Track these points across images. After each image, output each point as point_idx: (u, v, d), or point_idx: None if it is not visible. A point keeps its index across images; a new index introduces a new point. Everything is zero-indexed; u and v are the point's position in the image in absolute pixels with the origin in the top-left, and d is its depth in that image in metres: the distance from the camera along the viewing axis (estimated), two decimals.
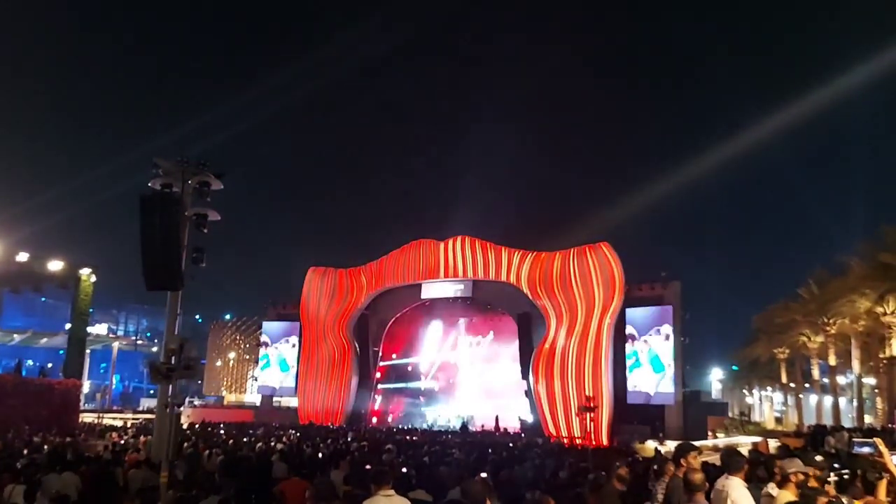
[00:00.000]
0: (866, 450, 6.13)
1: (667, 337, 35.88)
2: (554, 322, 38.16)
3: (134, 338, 78.23)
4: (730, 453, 6.84)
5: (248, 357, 65.06)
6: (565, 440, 31.16)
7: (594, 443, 29.54)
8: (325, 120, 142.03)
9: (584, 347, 36.33)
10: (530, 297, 39.45)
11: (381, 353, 46.48)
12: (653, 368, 35.85)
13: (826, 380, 43.81)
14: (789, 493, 5.84)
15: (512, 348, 42.07)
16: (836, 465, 7.16)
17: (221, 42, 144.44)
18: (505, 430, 36.75)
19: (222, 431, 28.58)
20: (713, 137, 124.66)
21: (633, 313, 37.05)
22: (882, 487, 5.73)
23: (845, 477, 6.77)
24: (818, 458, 7.56)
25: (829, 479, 6.86)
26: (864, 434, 25.51)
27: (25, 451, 17.63)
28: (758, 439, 31.25)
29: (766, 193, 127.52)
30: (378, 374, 46.55)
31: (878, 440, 6.09)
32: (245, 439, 22.70)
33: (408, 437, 27.87)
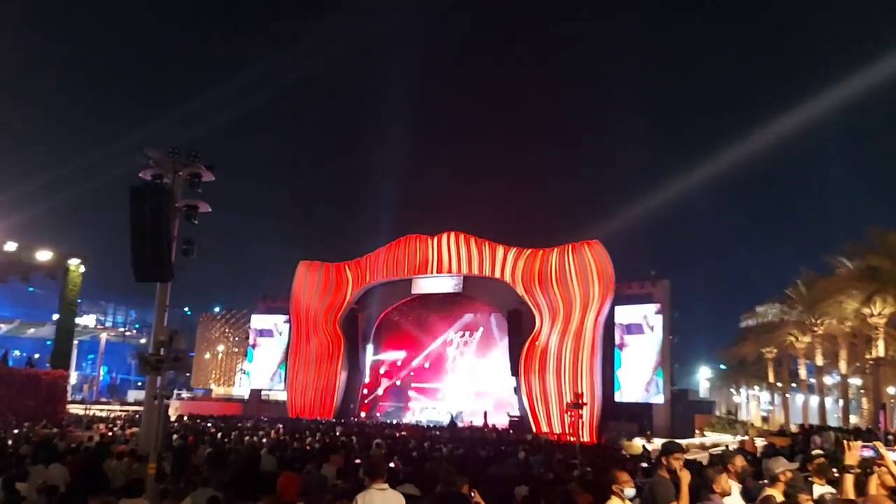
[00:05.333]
0: (867, 453, 6.16)
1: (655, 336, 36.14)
2: (541, 319, 38.26)
3: (122, 329, 77.77)
4: (722, 454, 6.91)
5: (237, 350, 64.79)
6: (553, 437, 31.26)
7: (582, 440, 29.67)
8: (316, 111, 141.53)
9: (573, 344, 36.45)
10: (520, 293, 39.54)
11: (370, 348, 46.46)
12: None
13: (813, 380, 44.11)
14: (778, 493, 5.88)
15: (501, 345, 42.15)
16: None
17: (212, 30, 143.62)
18: (493, 426, 36.84)
19: (210, 424, 28.49)
20: (704, 138, 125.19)
21: (622, 311, 37.20)
22: (873, 482, 5.78)
23: (836, 476, 6.82)
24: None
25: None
26: (849, 434, 25.70)
27: (11, 442, 17.56)
28: (744, 437, 31.41)
29: (755, 194, 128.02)
30: (367, 369, 46.56)
31: (878, 444, 6.15)
32: (234, 433, 22.67)
33: (396, 433, 27.87)
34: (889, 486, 5.77)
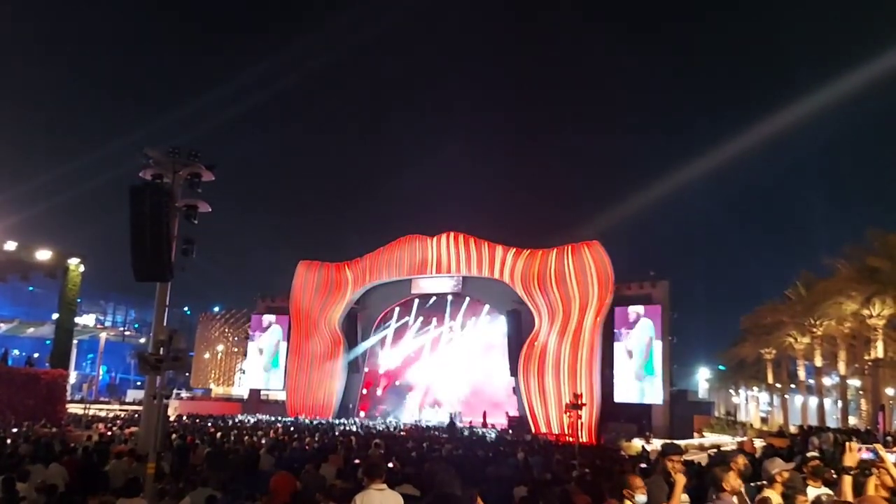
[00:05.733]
0: (867, 455, 6.16)
1: (654, 336, 36.17)
2: (540, 319, 38.27)
3: (121, 329, 77.75)
4: (718, 454, 6.91)
5: (236, 350, 64.82)
6: (553, 437, 31.28)
7: (581, 440, 29.69)
8: (316, 111, 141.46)
9: (573, 345, 36.46)
10: (520, 293, 39.54)
11: (369, 348, 46.48)
12: (644, 371, 36.12)
13: (812, 381, 44.09)
14: (775, 494, 5.90)
15: (501, 345, 42.16)
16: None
17: (210, 27, 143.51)
18: (492, 426, 36.85)
19: (209, 424, 28.52)
20: (703, 139, 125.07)
21: (622, 312, 37.22)
22: (871, 484, 5.79)
23: (833, 477, 6.82)
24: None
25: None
26: (848, 435, 25.70)
27: (10, 441, 17.57)
28: (743, 438, 31.45)
29: (754, 195, 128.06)
30: (366, 369, 46.58)
31: (878, 446, 6.16)
32: (233, 432, 22.69)
33: (395, 433, 27.90)
34: (889, 486, 5.78)
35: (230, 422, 32.63)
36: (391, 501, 6.48)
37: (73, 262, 33.28)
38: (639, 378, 36.13)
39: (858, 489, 5.84)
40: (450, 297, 44.78)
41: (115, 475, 11.21)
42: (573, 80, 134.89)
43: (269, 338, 47.89)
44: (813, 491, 6.34)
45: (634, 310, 36.92)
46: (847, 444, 6.11)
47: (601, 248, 37.88)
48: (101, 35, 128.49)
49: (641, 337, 36.48)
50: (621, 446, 27.99)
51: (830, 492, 6.23)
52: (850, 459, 5.87)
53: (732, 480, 5.96)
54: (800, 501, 5.65)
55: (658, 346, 36.10)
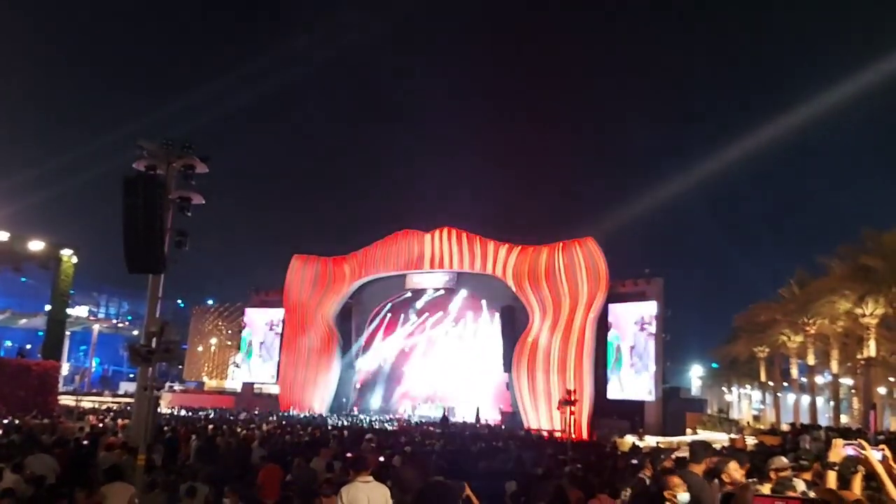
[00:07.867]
0: (850, 451, 6.15)
1: (649, 333, 36.21)
2: (537, 315, 38.26)
3: (114, 321, 77.41)
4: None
5: (229, 343, 64.68)
6: (545, 433, 31.32)
7: (573, 436, 29.73)
8: (311, 104, 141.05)
9: (567, 341, 36.44)
10: (514, 290, 39.49)
11: (363, 342, 46.41)
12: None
13: (804, 379, 44.20)
14: (766, 489, 5.90)
15: (494, 341, 42.16)
16: (804, 463, 7.23)
17: (207, 22, 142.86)
18: (486, 421, 36.86)
19: (201, 416, 28.46)
20: (699, 136, 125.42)
21: (616, 309, 37.24)
22: (857, 481, 5.79)
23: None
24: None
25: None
26: (840, 434, 25.79)
27: (1, 432, 17.49)
28: (735, 436, 31.56)
29: (749, 193, 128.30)
30: (360, 363, 46.53)
31: (861, 441, 6.16)
32: (225, 426, 22.64)
33: (388, 427, 27.90)
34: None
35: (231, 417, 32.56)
36: (377, 493, 6.48)
37: (66, 253, 33.17)
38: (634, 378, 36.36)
39: (845, 486, 5.84)
40: (444, 293, 44.73)
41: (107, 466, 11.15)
42: (571, 79, 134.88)
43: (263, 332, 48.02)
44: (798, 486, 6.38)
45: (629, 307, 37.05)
46: (833, 440, 6.12)
47: (595, 244, 37.78)
48: (96, 27, 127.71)
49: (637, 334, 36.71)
50: (615, 442, 28.01)
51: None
52: (834, 455, 5.88)
53: (733, 472, 5.94)
54: (789, 493, 5.64)
55: (651, 342, 36.16)
